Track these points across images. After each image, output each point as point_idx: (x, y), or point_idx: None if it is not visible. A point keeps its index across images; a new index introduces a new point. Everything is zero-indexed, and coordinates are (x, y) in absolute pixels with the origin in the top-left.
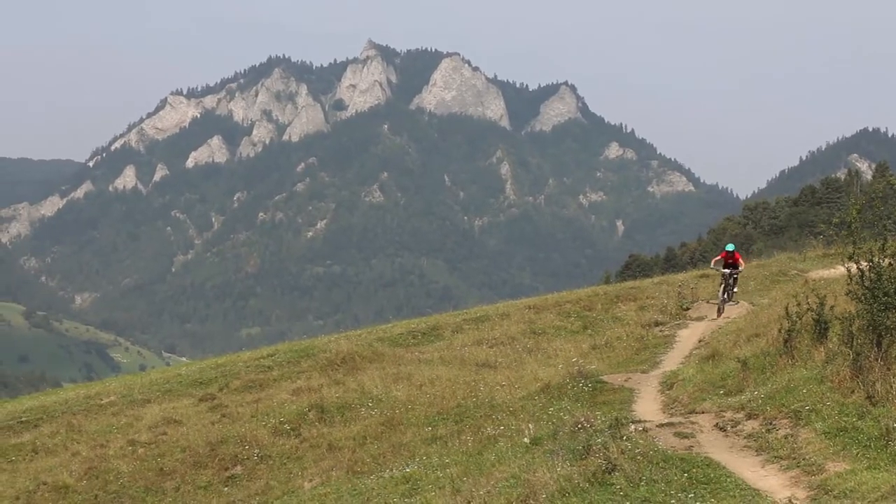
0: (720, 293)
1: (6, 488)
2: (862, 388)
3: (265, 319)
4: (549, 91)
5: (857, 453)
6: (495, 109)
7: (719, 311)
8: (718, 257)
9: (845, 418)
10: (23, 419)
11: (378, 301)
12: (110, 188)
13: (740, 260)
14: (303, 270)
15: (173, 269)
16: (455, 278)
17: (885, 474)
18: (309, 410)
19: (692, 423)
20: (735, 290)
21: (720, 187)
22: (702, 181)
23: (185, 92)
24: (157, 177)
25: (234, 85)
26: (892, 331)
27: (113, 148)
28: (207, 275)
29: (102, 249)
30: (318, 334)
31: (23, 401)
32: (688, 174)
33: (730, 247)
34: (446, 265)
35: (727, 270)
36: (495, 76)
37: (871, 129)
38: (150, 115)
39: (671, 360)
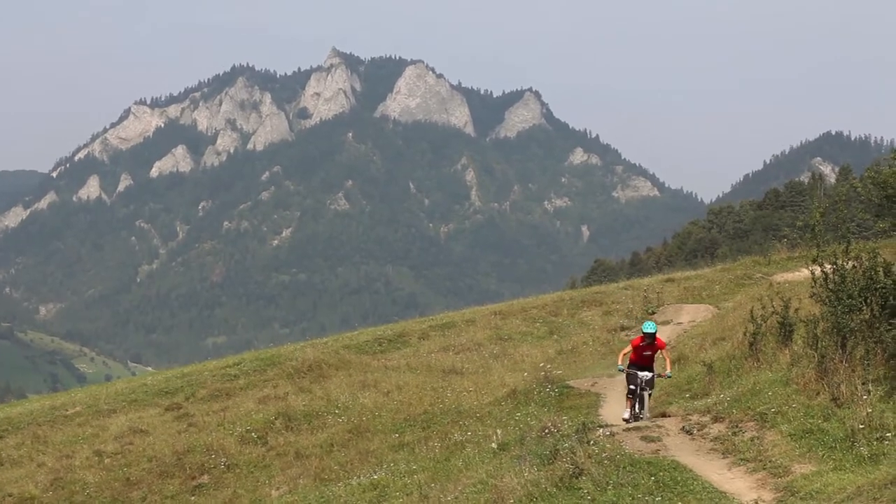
0: (626, 407)
1: None
2: (827, 390)
3: (231, 328)
4: (514, 98)
5: (823, 455)
6: (460, 116)
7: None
8: (627, 348)
9: (811, 420)
10: None
11: (344, 309)
12: (74, 198)
13: (665, 349)
14: (268, 279)
15: (138, 279)
16: (421, 285)
17: (851, 475)
18: (276, 419)
19: (659, 426)
20: (648, 402)
21: (685, 192)
22: (666, 186)
23: (148, 101)
24: (121, 187)
25: (197, 94)
26: (856, 333)
27: (76, 158)
28: (172, 284)
29: (67, 260)
30: (285, 342)
31: None
32: (652, 179)
33: (649, 326)
34: (412, 272)
35: (641, 373)
36: (459, 83)
37: (834, 133)
38: (113, 125)
39: None
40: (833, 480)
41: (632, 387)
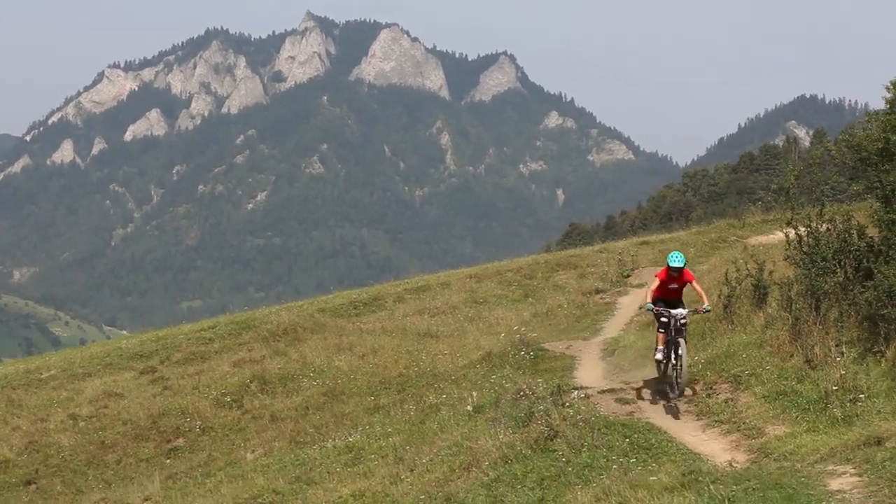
0: (659, 349)
1: None
2: (801, 352)
3: (206, 292)
4: (489, 61)
5: (797, 416)
6: (435, 80)
7: (661, 373)
8: (654, 283)
9: (784, 382)
10: None
11: (319, 272)
12: (48, 162)
13: (695, 281)
14: (243, 242)
15: (113, 243)
16: (396, 249)
17: (824, 437)
18: (251, 382)
19: (633, 388)
20: (685, 352)
21: (660, 155)
22: (641, 149)
23: (122, 65)
24: (95, 150)
25: (171, 57)
26: (830, 295)
27: (50, 122)
28: (147, 248)
29: (41, 224)
30: (260, 306)
31: None
32: (627, 142)
33: (676, 259)
34: (387, 236)
35: (674, 311)
36: (434, 47)
37: (808, 97)
38: (87, 89)
39: (612, 327)
40: (806, 442)
41: (663, 319)
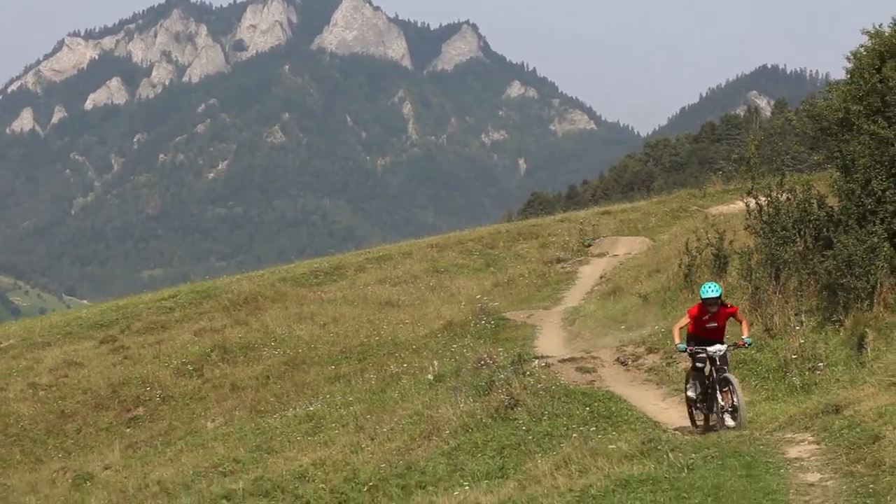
0: (689, 385)
1: None
2: (760, 321)
3: (167, 261)
4: (451, 30)
5: (756, 385)
6: (397, 49)
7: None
8: (684, 320)
9: (744, 351)
10: None
11: (280, 242)
12: (7, 131)
13: (738, 313)
14: (204, 212)
15: (73, 212)
16: (358, 218)
17: (783, 405)
18: (211, 351)
19: (594, 357)
20: (738, 389)
21: (621, 125)
22: (603, 119)
23: (82, 33)
24: (55, 119)
25: (132, 26)
26: (789, 264)
27: (9, 90)
28: (108, 217)
29: (0, 192)
30: (221, 275)
31: None
32: (589, 112)
33: (711, 290)
34: (349, 205)
35: (711, 348)
36: (396, 15)
37: (769, 67)
38: (47, 57)
39: (573, 297)
40: (766, 410)
41: (698, 364)
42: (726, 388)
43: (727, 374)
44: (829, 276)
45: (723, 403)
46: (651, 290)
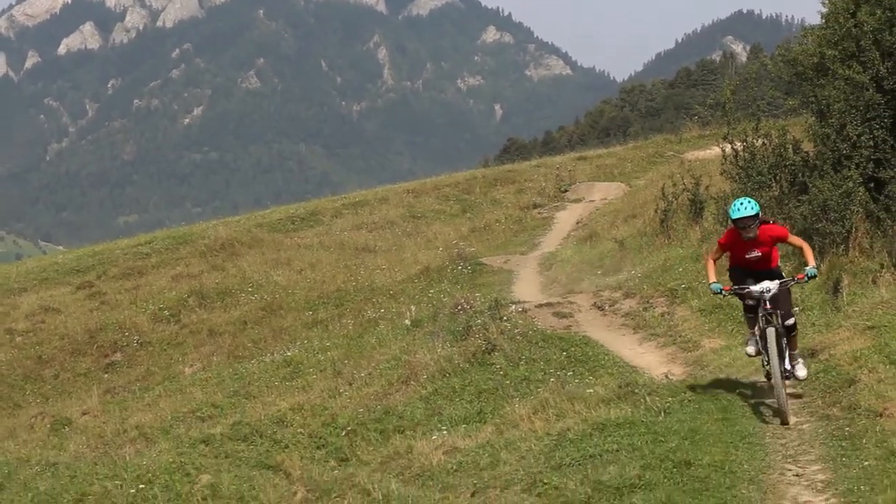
0: (750, 339)
1: None
2: None
3: (142, 207)
4: None
5: (732, 330)
6: None
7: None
8: (714, 251)
9: (720, 296)
10: None
11: (256, 187)
12: None
13: (791, 237)
14: (180, 157)
15: (48, 158)
16: (333, 164)
17: None
18: (189, 297)
19: (570, 302)
20: (792, 334)
21: (597, 70)
22: (579, 64)
23: None
24: (28, 64)
25: None
26: (765, 209)
27: None
28: (83, 163)
29: None
30: (197, 221)
31: None
32: (565, 57)
33: (743, 207)
34: (325, 151)
35: (758, 286)
36: None
37: (745, 12)
38: (19, 2)
39: (550, 242)
40: (741, 355)
41: (749, 302)
42: (794, 334)
43: (776, 325)
44: (804, 222)
45: (773, 363)
46: (627, 236)
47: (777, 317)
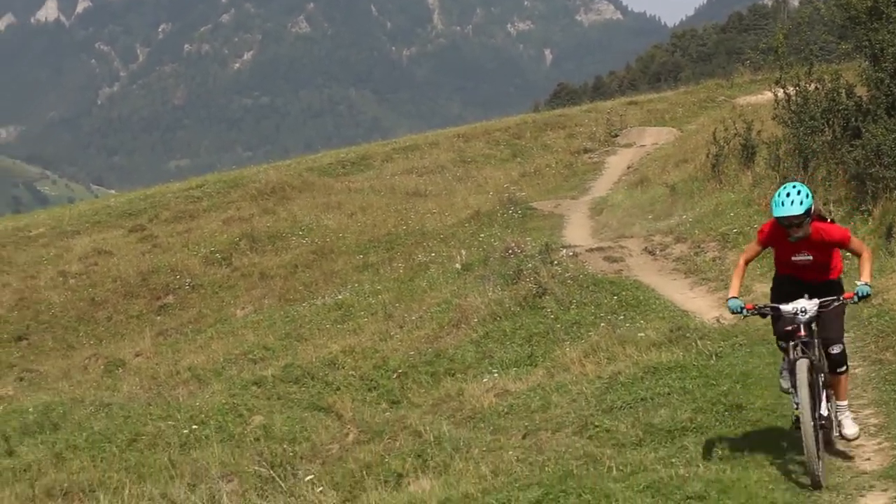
0: (783, 372)
1: None
2: None
3: (193, 151)
4: None
5: None
6: None
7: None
8: (749, 249)
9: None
10: None
11: (307, 132)
12: (32, 20)
13: (851, 242)
14: (230, 102)
15: (99, 102)
16: (384, 109)
17: None
18: (240, 240)
19: (621, 247)
20: (839, 372)
21: (648, 15)
22: (630, 9)
23: None
24: (79, 9)
25: None
26: (818, 154)
27: None
28: (134, 107)
29: (26, 83)
30: (248, 165)
31: None
32: (615, 2)
33: (794, 201)
34: (375, 96)
35: (792, 306)
36: None
37: None
38: None
39: (600, 187)
40: None
41: (787, 328)
42: (842, 373)
43: (836, 348)
44: (857, 166)
45: (827, 405)
46: (678, 181)
47: (815, 347)
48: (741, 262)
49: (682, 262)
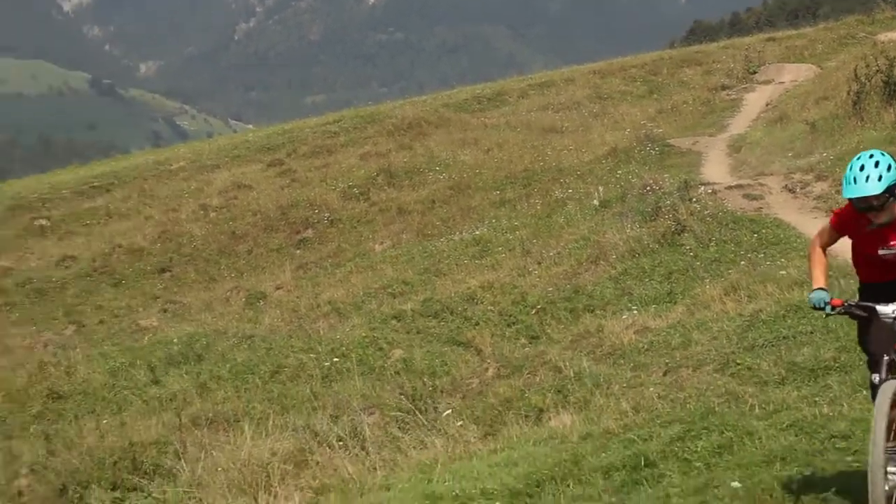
0: (874, 375)
1: (83, 250)
2: None
3: (329, 87)
4: None
5: None
6: None
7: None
8: (825, 232)
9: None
10: (95, 184)
11: (442, 68)
12: None
13: None
14: (365, 38)
15: (236, 38)
16: (518, 45)
17: None
18: (377, 175)
19: (761, 184)
20: None
21: None
22: None
23: None
24: None
25: None
26: None
27: None
28: (270, 43)
29: (165, 18)
30: (383, 101)
31: (94, 166)
32: None
33: (866, 177)
34: (510, 31)
35: (889, 311)
36: None
37: None
38: None
39: (738, 124)
40: None
41: (865, 333)
42: None
43: None
44: None
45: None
46: (819, 118)
47: None
48: (816, 247)
49: (823, 200)
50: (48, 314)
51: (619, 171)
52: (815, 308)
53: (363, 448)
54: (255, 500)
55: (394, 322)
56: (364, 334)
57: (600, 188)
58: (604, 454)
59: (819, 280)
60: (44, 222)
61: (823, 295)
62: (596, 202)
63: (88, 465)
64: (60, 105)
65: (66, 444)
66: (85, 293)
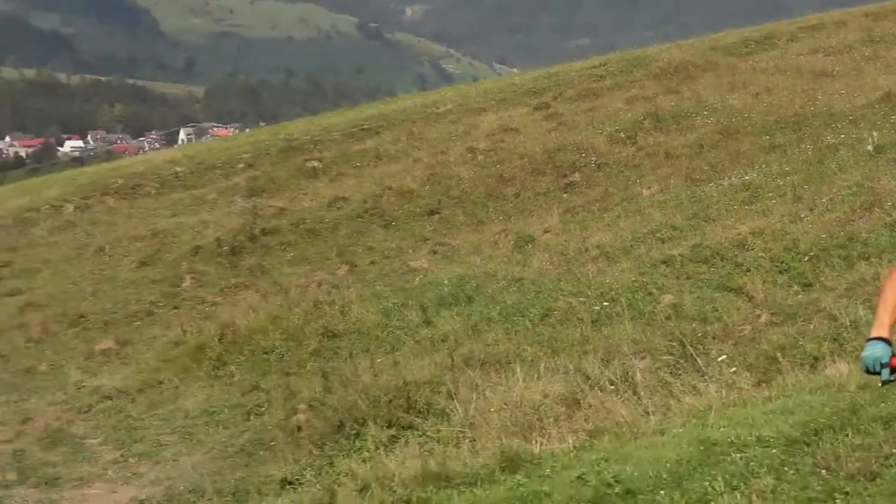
0: None
1: (354, 192)
2: None
3: (593, 30)
4: None
5: None
6: None
7: None
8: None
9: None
10: (364, 126)
11: (708, 10)
12: None
13: None
14: None
15: None
16: None
17: None
18: (644, 119)
19: None
20: None
21: None
22: None
23: None
24: None
25: None
26: None
27: None
28: None
29: None
30: (648, 45)
31: (363, 109)
32: None
33: None
34: None
35: None
36: None
37: None
38: None
39: None
40: None
41: None
42: None
43: None
44: None
45: None
46: None
47: None
48: (890, 279)
49: None
50: (321, 254)
51: (894, 117)
52: (868, 372)
53: (635, 392)
54: (528, 440)
55: (663, 267)
56: (633, 279)
57: (874, 133)
58: (883, 404)
59: (882, 326)
60: (316, 164)
61: (881, 348)
62: (870, 148)
63: (364, 402)
64: (329, 48)
65: (342, 381)
66: (356, 234)
